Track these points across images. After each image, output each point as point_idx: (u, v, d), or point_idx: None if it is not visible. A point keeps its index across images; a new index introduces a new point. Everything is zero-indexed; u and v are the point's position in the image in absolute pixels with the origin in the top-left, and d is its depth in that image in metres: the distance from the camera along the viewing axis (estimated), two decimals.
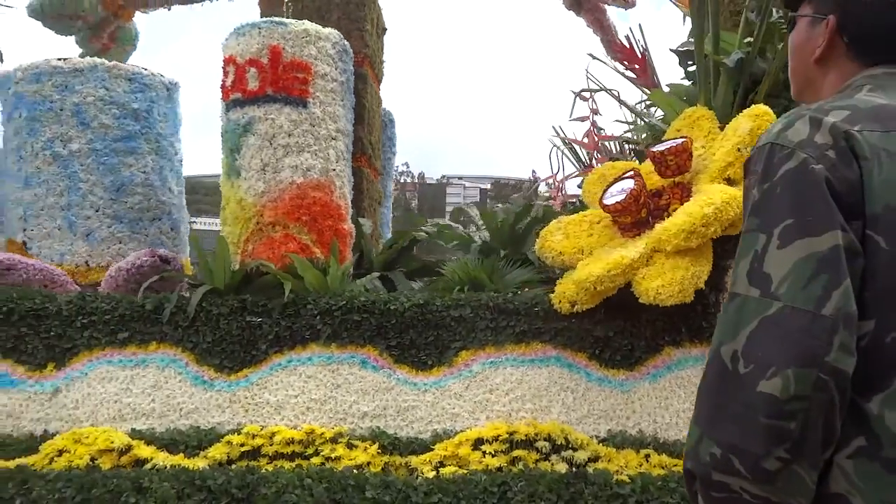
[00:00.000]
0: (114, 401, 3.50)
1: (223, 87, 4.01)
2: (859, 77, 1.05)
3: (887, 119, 0.93)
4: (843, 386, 0.85)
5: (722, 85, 3.78)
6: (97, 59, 4.57)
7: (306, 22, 3.93)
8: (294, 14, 4.31)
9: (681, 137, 3.37)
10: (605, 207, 3.35)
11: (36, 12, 5.90)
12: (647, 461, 3.15)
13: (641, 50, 3.90)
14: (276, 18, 3.93)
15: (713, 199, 2.89)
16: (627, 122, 4.82)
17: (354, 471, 3.10)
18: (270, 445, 3.27)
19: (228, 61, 3.97)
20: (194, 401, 3.49)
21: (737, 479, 0.87)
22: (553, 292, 3.44)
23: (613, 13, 4.69)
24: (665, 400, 3.37)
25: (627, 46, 3.91)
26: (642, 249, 3.11)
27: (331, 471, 3.08)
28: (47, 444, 3.30)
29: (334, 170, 3.98)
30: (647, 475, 3.03)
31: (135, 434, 3.36)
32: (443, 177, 65.48)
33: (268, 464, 3.21)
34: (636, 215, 3.32)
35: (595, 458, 3.16)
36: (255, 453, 3.26)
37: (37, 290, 3.77)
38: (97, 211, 4.46)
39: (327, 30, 4.02)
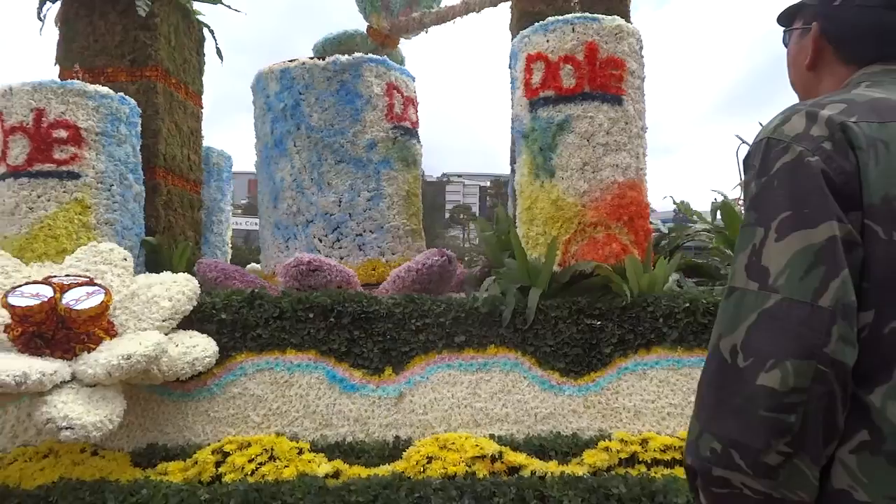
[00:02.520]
0: (464, 405, 3.44)
1: (527, 84, 3.92)
2: (857, 75, 1.07)
3: (884, 111, 0.94)
4: (843, 377, 0.85)
5: None
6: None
7: (617, 18, 3.84)
8: (582, 9, 4.21)
9: None
10: None
11: (319, 52, 6.50)
12: None
13: None
14: (589, 14, 3.84)
15: None
16: None
17: None
18: (645, 452, 3.21)
19: (535, 58, 3.88)
20: (547, 405, 3.43)
21: (738, 474, 0.86)
22: None
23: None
24: None
25: None
26: None
27: None
28: (412, 450, 3.24)
29: (642, 168, 3.91)
30: None
31: (496, 440, 3.30)
32: (443, 175, 64.60)
33: (647, 470, 3.16)
34: None
35: None
36: (630, 460, 3.21)
37: (361, 293, 3.71)
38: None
39: (631, 25, 3.93)
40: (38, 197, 3.90)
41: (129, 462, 3.34)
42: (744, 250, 0.93)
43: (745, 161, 1.01)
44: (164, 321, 3.43)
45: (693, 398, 3.37)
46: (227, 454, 3.28)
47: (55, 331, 3.14)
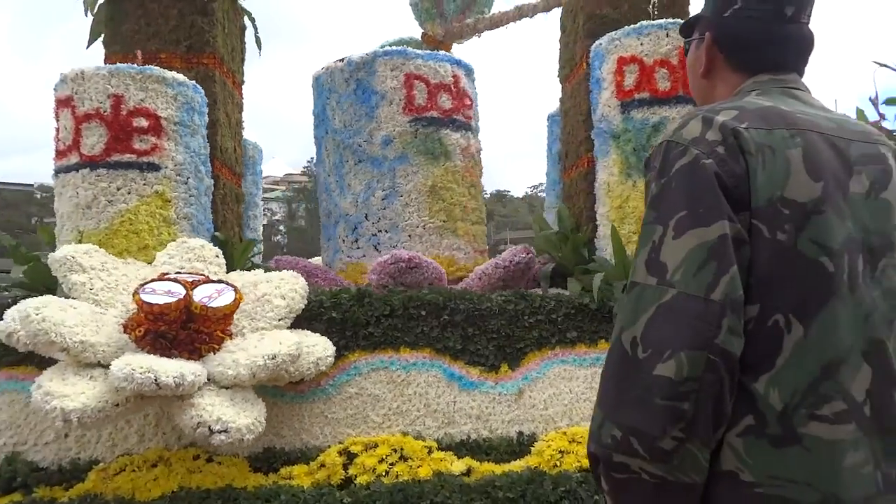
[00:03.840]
0: (583, 399, 3.50)
1: (618, 85, 4.02)
2: (748, 83, 1.16)
3: (772, 118, 1.02)
4: (731, 366, 0.91)
5: None
6: None
7: None
8: (659, 12, 4.35)
9: None
10: None
11: None
12: None
13: None
14: (681, 20, 3.97)
15: None
16: None
17: None
18: None
19: (629, 60, 3.98)
20: None
21: (636, 459, 0.91)
22: None
23: None
24: None
25: None
26: None
27: None
28: (541, 445, 3.27)
29: None
30: None
31: None
32: None
33: None
34: None
35: None
36: None
37: (470, 291, 3.69)
38: None
39: None
40: (118, 189, 3.66)
41: (248, 468, 3.20)
42: (644, 247, 0.98)
43: (646, 162, 1.07)
44: (279, 320, 3.31)
45: None
46: (353, 455, 3.21)
47: (178, 330, 2.97)
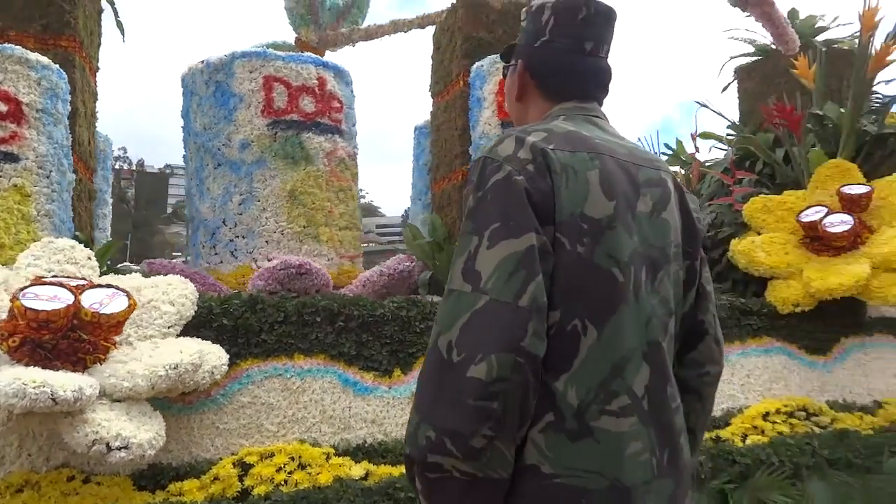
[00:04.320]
0: None
1: (500, 105, 4.29)
2: (556, 109, 1.26)
3: (575, 142, 1.11)
4: (536, 368, 0.98)
5: (847, 146, 5.16)
6: None
7: None
8: None
9: (868, 186, 4.64)
10: (828, 234, 4.48)
11: None
12: (862, 420, 4.36)
13: (799, 112, 5.13)
14: None
15: None
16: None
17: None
18: None
19: None
20: None
21: (449, 458, 0.96)
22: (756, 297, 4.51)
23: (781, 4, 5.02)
24: (847, 375, 4.62)
25: (787, 108, 5.10)
26: (868, 269, 4.30)
27: None
28: None
29: None
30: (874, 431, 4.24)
31: None
32: (166, 166, 58.78)
33: None
34: (849, 242, 4.51)
35: (833, 420, 4.28)
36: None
37: (365, 298, 3.73)
38: None
39: None
40: None
41: (133, 486, 2.99)
42: (461, 255, 1.04)
43: (466, 176, 1.30)
44: (169, 328, 3.13)
45: None
46: (248, 466, 3.13)
47: (59, 339, 2.72)
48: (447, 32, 5.20)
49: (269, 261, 4.42)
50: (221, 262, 4.50)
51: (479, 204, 1.05)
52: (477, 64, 4.51)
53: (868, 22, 4.78)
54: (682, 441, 1.17)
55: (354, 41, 5.92)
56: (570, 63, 1.25)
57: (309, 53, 5.46)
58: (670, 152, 7.40)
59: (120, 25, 5.02)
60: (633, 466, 1.05)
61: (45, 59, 3.53)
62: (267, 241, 4.42)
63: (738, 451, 3.80)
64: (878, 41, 4.90)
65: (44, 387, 2.30)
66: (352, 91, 5.11)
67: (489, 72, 4.40)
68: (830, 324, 4.65)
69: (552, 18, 1.26)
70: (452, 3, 5.12)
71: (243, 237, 4.46)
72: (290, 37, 6.10)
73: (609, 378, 1.05)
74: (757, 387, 4.34)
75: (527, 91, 1.30)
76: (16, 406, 2.27)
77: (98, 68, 4.75)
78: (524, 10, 1.33)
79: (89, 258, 3.32)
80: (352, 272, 4.77)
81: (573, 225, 1.05)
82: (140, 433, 2.57)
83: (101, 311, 2.70)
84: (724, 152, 6.74)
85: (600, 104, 1.30)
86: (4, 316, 2.80)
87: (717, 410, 4.18)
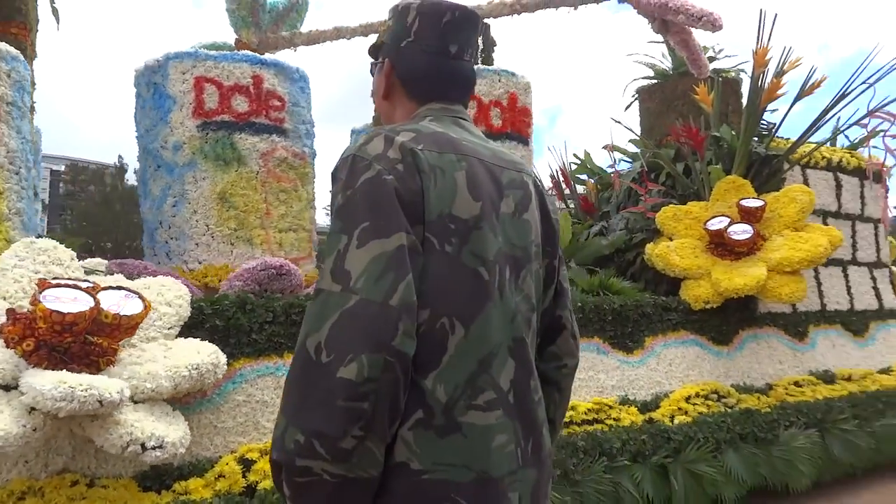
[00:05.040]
0: None
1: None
2: (423, 109, 1.27)
3: (442, 143, 1.14)
4: (406, 366, 1.00)
5: (740, 165, 5.97)
6: None
7: (526, 76, 4.80)
8: None
9: (762, 200, 5.42)
10: (732, 241, 5.19)
11: None
12: (759, 400, 5.10)
13: (703, 133, 5.85)
14: (510, 70, 4.69)
15: (822, 242, 5.00)
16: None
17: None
18: (571, 412, 4.23)
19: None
20: None
21: (318, 461, 0.95)
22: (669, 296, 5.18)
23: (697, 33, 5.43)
24: (745, 362, 5.38)
25: (693, 129, 5.80)
26: (765, 272, 5.05)
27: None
28: None
29: None
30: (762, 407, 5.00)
31: None
32: None
33: (579, 426, 4.19)
34: (748, 248, 5.25)
35: (738, 401, 4.98)
36: (569, 422, 4.18)
37: None
38: None
39: (525, 79, 4.93)
40: None
41: (138, 488, 2.97)
42: (331, 255, 1.03)
43: (333, 174, 1.12)
44: (169, 329, 3.14)
45: (591, 373, 4.53)
46: (250, 462, 3.21)
47: (71, 343, 2.68)
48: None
49: (199, 263, 4.41)
50: (159, 263, 4.48)
51: (347, 203, 1.05)
52: None
53: (760, 60, 5.58)
54: (544, 432, 1.22)
55: (296, 45, 5.93)
56: (434, 66, 1.26)
57: (246, 52, 5.44)
58: (578, 162, 8.05)
59: (55, 12, 4.75)
60: (500, 458, 1.08)
61: (14, 50, 3.37)
62: (197, 244, 4.39)
63: (671, 430, 4.36)
64: (768, 74, 5.71)
65: (91, 389, 2.30)
66: (302, 88, 5.08)
67: None
68: (731, 318, 5.39)
69: (417, 21, 1.27)
70: None
71: (176, 239, 4.44)
72: (232, 38, 6.01)
73: (476, 374, 1.08)
74: (678, 374, 4.96)
75: (393, 91, 1.31)
76: (63, 409, 2.26)
77: (35, 56, 4.50)
78: (390, 8, 1.34)
79: (72, 258, 3.23)
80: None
81: (441, 225, 1.07)
82: (171, 432, 2.61)
83: (121, 313, 2.69)
84: (628, 164, 7.47)
85: (465, 106, 1.33)
86: (2, 319, 2.71)
87: (647, 395, 4.75)
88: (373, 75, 1.37)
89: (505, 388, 1.12)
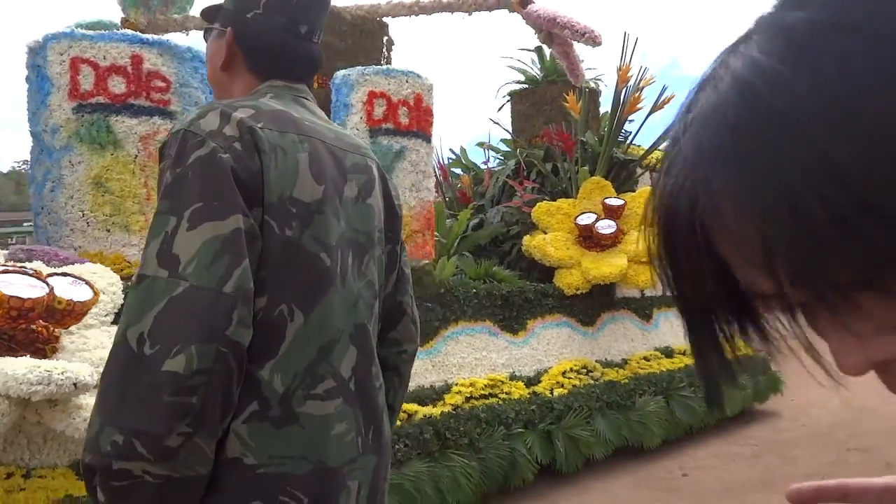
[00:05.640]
0: None
1: (369, 113, 4.82)
2: (264, 86, 1.21)
3: (283, 122, 1.09)
4: (240, 356, 0.94)
5: (602, 167, 6.77)
6: None
7: (430, 78, 5.13)
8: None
9: (622, 199, 6.21)
10: (599, 235, 5.92)
11: None
12: (618, 373, 5.89)
13: (573, 138, 6.54)
14: (416, 71, 4.99)
15: None
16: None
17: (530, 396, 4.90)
18: (471, 388, 4.69)
19: (378, 95, 4.82)
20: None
21: (139, 462, 0.88)
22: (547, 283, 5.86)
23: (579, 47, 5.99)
24: (606, 341, 6.17)
25: (564, 134, 6.48)
26: (626, 262, 5.83)
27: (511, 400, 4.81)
28: None
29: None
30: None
31: None
32: None
33: (478, 400, 4.65)
34: (611, 241, 6.02)
35: (602, 374, 5.73)
36: (469, 397, 4.63)
37: None
38: None
39: (429, 81, 5.28)
40: None
41: (76, 476, 2.95)
42: (156, 238, 0.95)
43: (160, 150, 1.04)
44: (106, 316, 3.13)
45: (485, 353, 5.01)
46: None
47: (19, 330, 2.64)
48: None
49: (74, 249, 4.32)
50: (42, 248, 4.35)
51: (178, 181, 0.97)
52: (344, 72, 4.96)
53: (623, 76, 6.38)
54: (384, 419, 1.21)
55: (188, 28, 5.75)
56: (283, 42, 1.21)
57: (126, 31, 5.25)
58: (454, 156, 8.55)
59: None
60: (339, 447, 1.07)
61: None
62: (72, 230, 4.30)
63: (553, 401, 4.97)
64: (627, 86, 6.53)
65: (67, 372, 2.33)
66: (195, 69, 4.97)
67: (357, 81, 4.89)
68: (595, 302, 6.15)
69: None
70: None
71: (54, 225, 4.34)
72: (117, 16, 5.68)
73: (316, 362, 1.06)
74: (554, 352, 5.60)
75: (234, 62, 1.24)
76: (39, 393, 2.28)
77: None
78: None
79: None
80: None
81: (282, 208, 1.03)
82: None
83: (74, 300, 2.69)
84: (498, 160, 8.08)
85: (310, 88, 1.28)
86: None
87: (530, 371, 5.33)
88: (206, 40, 1.30)
89: (346, 375, 1.11)
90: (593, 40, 5.22)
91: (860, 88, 0.29)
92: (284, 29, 1.20)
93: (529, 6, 5.44)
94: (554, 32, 5.39)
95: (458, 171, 8.48)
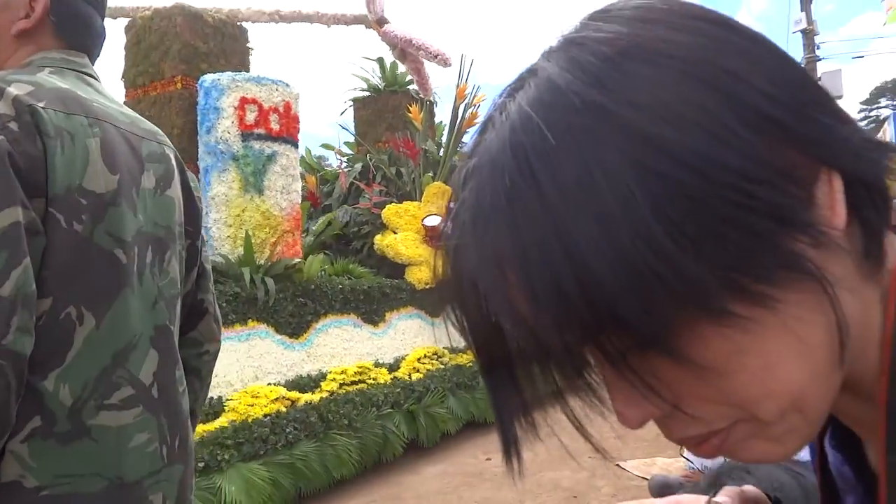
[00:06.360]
0: (248, 366, 4.45)
1: (241, 118, 5.02)
2: (38, 57, 1.04)
3: (70, 103, 0.95)
4: (20, 369, 0.83)
5: (443, 174, 7.50)
6: None
7: (296, 89, 5.43)
8: None
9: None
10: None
11: None
12: (465, 357, 6.63)
13: (418, 147, 7.16)
14: (286, 81, 5.26)
15: None
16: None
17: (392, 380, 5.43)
18: (343, 375, 5.11)
19: (250, 101, 5.03)
20: (287, 359, 4.82)
21: None
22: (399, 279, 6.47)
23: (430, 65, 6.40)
24: (452, 329, 6.88)
25: (410, 142, 7.08)
26: None
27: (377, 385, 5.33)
28: None
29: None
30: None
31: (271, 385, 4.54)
32: None
33: (350, 385, 5.09)
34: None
35: (450, 359, 6.43)
36: (342, 383, 5.04)
37: None
38: None
39: (296, 91, 5.57)
40: None
41: None
42: None
43: None
44: None
45: (352, 344, 5.45)
46: None
47: None
48: (156, 33, 5.49)
49: None
50: None
51: None
52: (213, 76, 5.09)
53: (461, 94, 7.14)
54: (188, 424, 1.14)
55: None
56: (78, 6, 1.07)
57: None
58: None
59: None
60: (138, 459, 0.98)
61: None
62: None
63: (414, 384, 5.56)
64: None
65: None
66: None
67: (229, 87, 5.05)
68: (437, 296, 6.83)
69: None
70: (166, 7, 5.46)
71: None
72: None
73: (110, 369, 0.96)
74: (409, 340, 6.19)
75: (42, 29, 1.06)
76: None
77: None
78: None
79: None
80: None
81: (71, 199, 0.91)
82: None
83: None
84: (342, 163, 8.50)
85: (93, 63, 1.13)
86: None
87: (391, 359, 5.86)
88: None
89: (147, 382, 1.02)
90: (444, 62, 5.88)
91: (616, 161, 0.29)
92: None
93: (386, 25, 5.96)
94: (408, 51, 5.97)
95: (301, 170, 8.74)
